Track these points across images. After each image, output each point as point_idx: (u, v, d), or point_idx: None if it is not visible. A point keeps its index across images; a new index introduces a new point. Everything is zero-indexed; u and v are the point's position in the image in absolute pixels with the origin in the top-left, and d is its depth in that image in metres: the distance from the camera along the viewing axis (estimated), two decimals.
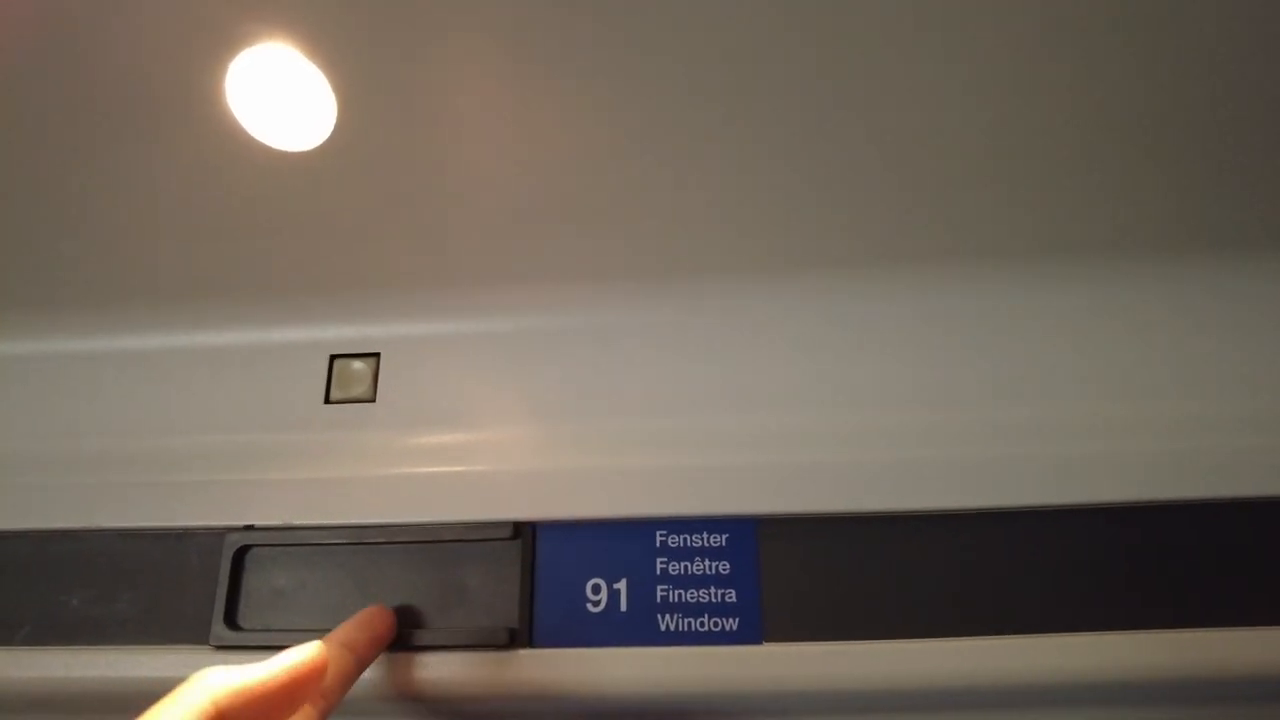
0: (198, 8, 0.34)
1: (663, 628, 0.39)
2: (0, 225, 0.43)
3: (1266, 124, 0.38)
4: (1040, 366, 0.43)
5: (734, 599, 0.39)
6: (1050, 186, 0.41)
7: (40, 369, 0.48)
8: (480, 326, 0.46)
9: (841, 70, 0.36)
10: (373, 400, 0.46)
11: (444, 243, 0.44)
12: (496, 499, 0.41)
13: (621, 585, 0.40)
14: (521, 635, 0.39)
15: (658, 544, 0.40)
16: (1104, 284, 0.44)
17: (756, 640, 0.38)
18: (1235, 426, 0.40)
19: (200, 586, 0.41)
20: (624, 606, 0.39)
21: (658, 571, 0.40)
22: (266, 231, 0.43)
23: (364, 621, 0.37)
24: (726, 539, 0.40)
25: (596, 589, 0.40)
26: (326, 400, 0.46)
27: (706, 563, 0.40)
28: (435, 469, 0.43)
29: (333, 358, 0.47)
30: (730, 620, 0.39)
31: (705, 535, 0.40)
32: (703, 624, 0.39)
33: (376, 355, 0.46)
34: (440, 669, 0.38)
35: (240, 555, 0.41)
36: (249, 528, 0.42)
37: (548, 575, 0.40)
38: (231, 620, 0.40)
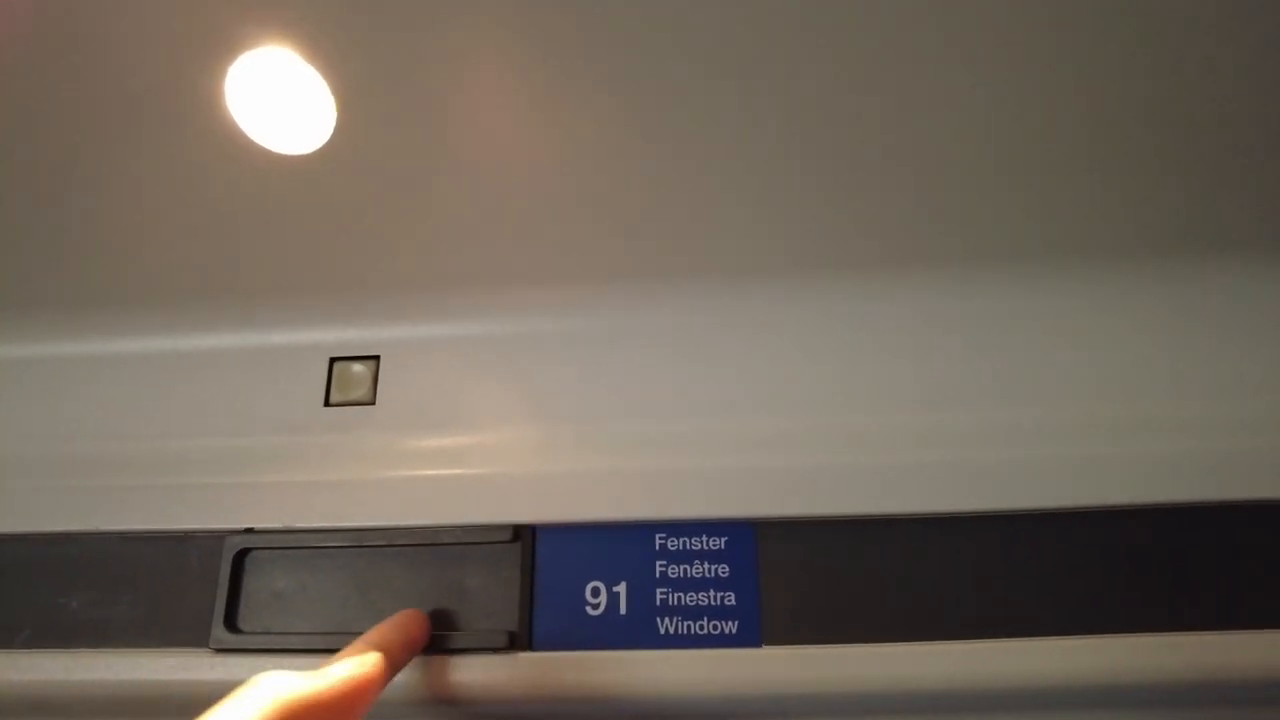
0: (197, 11, 0.34)
1: (662, 631, 0.39)
2: (1, 227, 0.43)
3: (1267, 126, 0.38)
4: (1041, 369, 0.43)
5: (733, 602, 0.39)
6: (1051, 188, 0.41)
7: (40, 372, 0.48)
8: (480, 329, 0.46)
9: (844, 73, 0.36)
10: (372, 403, 0.46)
11: (443, 245, 0.44)
12: (496, 502, 0.41)
13: (621, 588, 0.40)
14: (521, 638, 0.39)
15: (657, 547, 0.40)
16: (1105, 286, 0.44)
17: (756, 643, 0.38)
18: (1236, 428, 0.40)
19: (200, 589, 0.41)
20: (623, 609, 0.39)
21: (657, 574, 0.40)
22: (266, 234, 0.43)
23: (399, 624, 0.36)
24: (726, 542, 0.40)
25: (596, 592, 0.40)
26: (326, 403, 0.46)
27: (706, 566, 0.40)
28: (435, 472, 0.43)
29: (332, 360, 0.47)
30: (729, 623, 0.39)
31: (705, 538, 0.40)
32: (702, 627, 0.39)
33: (376, 358, 0.47)
34: (439, 672, 0.38)
35: (240, 558, 0.41)
36: (249, 530, 0.42)
37: (547, 578, 0.40)
38: (231, 623, 0.40)
